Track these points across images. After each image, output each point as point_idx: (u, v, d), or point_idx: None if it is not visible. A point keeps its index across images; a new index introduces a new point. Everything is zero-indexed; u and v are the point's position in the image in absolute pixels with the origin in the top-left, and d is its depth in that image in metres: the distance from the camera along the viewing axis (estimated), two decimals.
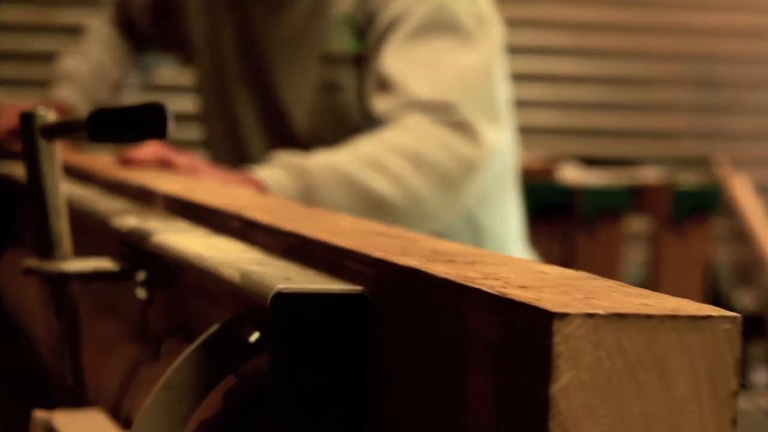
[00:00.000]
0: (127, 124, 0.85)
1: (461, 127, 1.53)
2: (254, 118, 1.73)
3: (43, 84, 3.56)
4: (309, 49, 1.66)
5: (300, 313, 0.57)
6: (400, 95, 1.55)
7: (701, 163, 4.12)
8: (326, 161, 1.50)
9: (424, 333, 0.53)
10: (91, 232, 0.99)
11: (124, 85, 1.98)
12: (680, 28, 4.30)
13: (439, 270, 0.53)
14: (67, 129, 0.90)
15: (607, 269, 3.11)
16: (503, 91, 1.65)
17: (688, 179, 3.57)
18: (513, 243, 1.79)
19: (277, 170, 1.50)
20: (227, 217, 0.82)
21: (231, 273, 0.65)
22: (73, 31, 3.56)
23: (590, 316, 0.44)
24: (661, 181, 3.44)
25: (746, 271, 3.94)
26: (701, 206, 3.33)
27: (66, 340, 0.91)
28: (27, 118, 0.89)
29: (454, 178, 1.53)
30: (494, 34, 1.64)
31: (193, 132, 2.10)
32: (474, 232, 1.70)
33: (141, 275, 0.83)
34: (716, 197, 3.45)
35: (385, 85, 1.57)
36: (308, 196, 1.48)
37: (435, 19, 1.58)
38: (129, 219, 0.92)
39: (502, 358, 0.46)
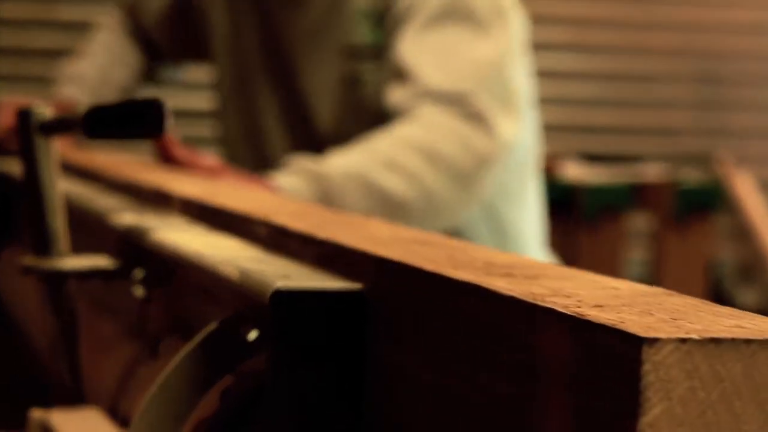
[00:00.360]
0: (124, 121, 0.84)
1: (475, 118, 1.51)
2: (276, 115, 1.72)
3: (43, 80, 3.55)
4: (331, 42, 1.65)
5: (299, 310, 0.56)
6: (414, 85, 1.53)
7: (703, 160, 4.11)
8: (343, 165, 1.49)
9: (478, 352, 0.48)
10: (89, 229, 0.98)
11: (133, 93, 1.96)
12: (682, 24, 4.29)
13: (501, 286, 0.48)
14: (64, 126, 0.89)
15: (609, 267, 3.11)
16: (522, 84, 1.63)
17: (690, 176, 3.56)
18: (533, 240, 1.77)
19: (295, 177, 1.48)
20: (253, 223, 0.76)
21: (229, 271, 0.65)
22: (73, 27, 3.57)
23: (683, 341, 0.39)
24: (663, 179, 3.43)
25: (749, 269, 3.94)
26: (703, 203, 3.33)
27: (63, 338, 0.90)
28: (24, 115, 0.88)
29: (468, 173, 1.52)
30: (513, 26, 1.63)
31: (204, 129, 2.10)
32: (495, 228, 1.68)
33: (139, 273, 0.83)
34: (718, 194, 3.45)
35: (399, 74, 1.56)
36: (327, 202, 1.46)
37: (451, 7, 1.57)
38: (126, 216, 0.91)
39: (578, 388, 0.42)
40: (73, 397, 0.90)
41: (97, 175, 1.25)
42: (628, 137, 4.28)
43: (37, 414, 0.82)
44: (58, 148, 0.91)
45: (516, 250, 1.70)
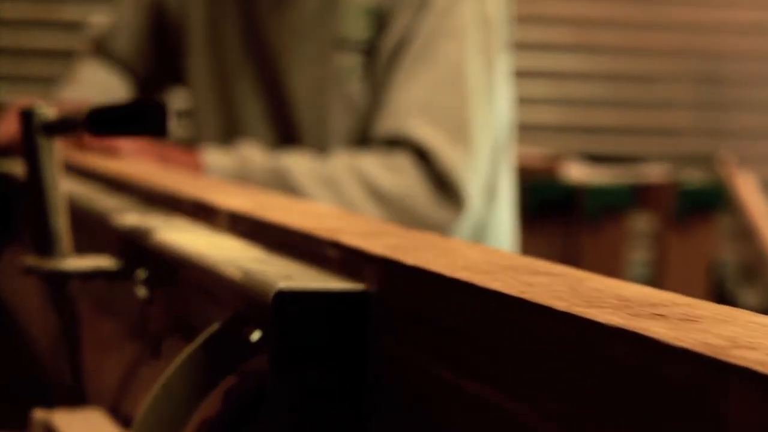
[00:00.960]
0: (127, 121, 0.84)
1: (441, 179, 1.56)
2: (259, 114, 1.72)
3: (45, 80, 3.56)
4: (319, 37, 1.66)
5: (301, 311, 0.56)
6: (395, 130, 1.57)
7: (705, 160, 4.11)
8: (277, 161, 1.55)
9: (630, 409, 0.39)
10: (92, 229, 0.98)
11: None
12: (684, 24, 4.29)
13: (663, 333, 0.38)
14: (66, 126, 0.89)
15: (611, 268, 3.11)
16: (503, 98, 1.67)
17: (692, 177, 3.56)
18: (508, 237, 1.79)
19: (224, 156, 1.55)
20: (320, 244, 0.65)
21: (232, 271, 0.65)
22: (75, 27, 3.57)
23: None
24: (665, 179, 3.43)
25: (751, 269, 3.93)
26: (705, 204, 3.33)
27: (65, 338, 0.90)
28: (27, 115, 0.88)
29: (422, 224, 1.55)
30: (500, 37, 1.66)
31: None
32: (474, 225, 1.69)
33: (141, 273, 0.83)
34: (720, 195, 3.45)
35: (385, 115, 1.59)
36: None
37: (439, 30, 1.60)
38: (129, 217, 0.91)
39: None
40: (75, 397, 0.90)
41: (124, 184, 1.17)
42: (629, 138, 4.27)
43: (39, 414, 0.82)
44: (61, 149, 0.91)
45: (489, 239, 1.74)
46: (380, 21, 1.63)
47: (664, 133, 4.29)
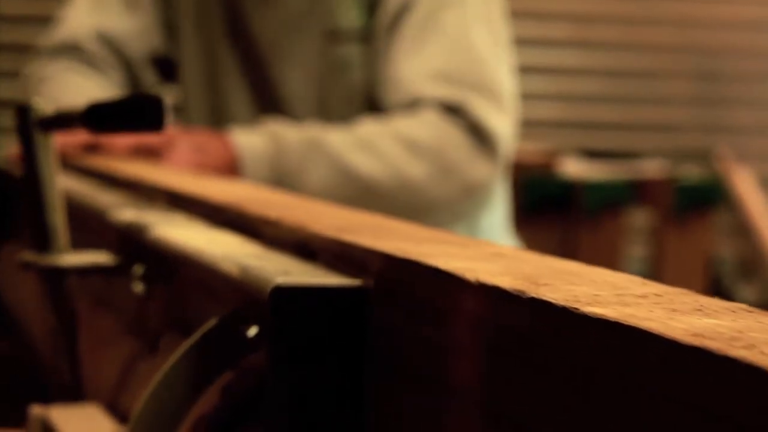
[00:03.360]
0: (124, 116, 0.84)
1: (475, 129, 1.51)
2: (250, 111, 1.69)
3: None
4: (312, 29, 1.63)
5: (299, 306, 0.56)
6: (410, 92, 1.53)
7: (703, 156, 4.11)
8: (307, 133, 1.51)
9: None
10: (89, 225, 0.98)
11: None
12: (682, 20, 4.29)
13: None
14: (64, 121, 0.89)
15: (609, 263, 3.11)
16: (510, 68, 1.63)
17: (690, 173, 3.56)
18: (502, 229, 1.77)
19: (254, 135, 1.52)
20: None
21: (230, 267, 0.65)
22: None
23: None
24: (663, 175, 3.43)
25: (748, 265, 3.94)
26: (703, 200, 3.33)
27: (63, 334, 0.90)
28: (23, 111, 0.88)
29: (457, 171, 1.51)
30: (500, 5, 1.64)
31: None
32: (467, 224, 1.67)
33: (138, 269, 0.83)
34: (718, 191, 3.45)
35: (395, 81, 1.55)
36: (278, 161, 1.50)
37: (439, 1, 1.57)
38: (127, 212, 0.91)
39: None
40: (73, 393, 0.90)
41: (154, 190, 1.04)
42: (627, 133, 4.27)
43: (36, 410, 0.82)
44: (58, 144, 0.90)
45: (487, 238, 1.71)
46: (371, 5, 1.61)
47: (662, 129, 4.29)
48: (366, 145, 1.50)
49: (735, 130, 4.33)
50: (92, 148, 1.47)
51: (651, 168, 3.52)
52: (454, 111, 1.51)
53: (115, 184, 1.10)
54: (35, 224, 0.88)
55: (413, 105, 1.53)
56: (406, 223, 0.71)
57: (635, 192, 3.32)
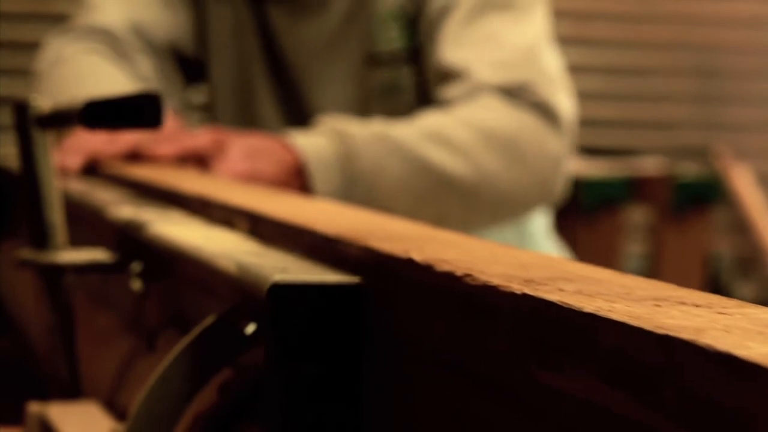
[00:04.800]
0: (122, 114, 0.84)
1: (539, 107, 1.42)
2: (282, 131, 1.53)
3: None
4: (347, 53, 1.52)
5: (296, 304, 0.56)
6: (469, 82, 1.43)
7: (701, 153, 4.11)
8: (375, 129, 1.37)
9: None
10: (87, 223, 0.98)
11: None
12: (680, 17, 4.29)
13: None
14: (61, 119, 0.89)
15: (607, 260, 3.11)
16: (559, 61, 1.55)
17: (688, 170, 3.56)
18: (546, 231, 1.70)
19: (317, 136, 1.35)
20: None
21: (227, 264, 0.65)
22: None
23: None
24: (661, 172, 3.43)
25: (746, 262, 3.94)
26: (701, 197, 3.33)
27: (61, 331, 0.90)
28: (21, 108, 0.88)
29: (533, 161, 1.42)
30: (545, 4, 1.57)
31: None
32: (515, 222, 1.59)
33: (136, 267, 0.83)
34: (716, 188, 3.45)
35: (448, 77, 1.45)
36: (349, 164, 1.34)
37: (483, 1, 1.48)
38: (124, 209, 0.91)
39: None
40: (71, 390, 0.90)
41: (207, 203, 0.90)
42: (626, 131, 4.27)
43: (34, 408, 0.82)
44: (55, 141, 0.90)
45: (532, 243, 1.64)
46: (412, 20, 1.50)
47: (660, 126, 4.29)
48: (437, 137, 1.38)
49: (733, 127, 4.33)
50: (134, 157, 1.33)
51: (649, 165, 3.53)
52: (515, 94, 1.42)
53: (175, 203, 0.93)
54: (33, 221, 0.88)
55: (471, 94, 1.42)
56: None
57: (633, 189, 3.32)
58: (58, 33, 1.64)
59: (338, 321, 0.56)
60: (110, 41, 1.57)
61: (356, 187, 1.35)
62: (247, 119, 1.59)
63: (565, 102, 1.46)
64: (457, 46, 1.45)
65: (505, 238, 1.56)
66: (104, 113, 0.84)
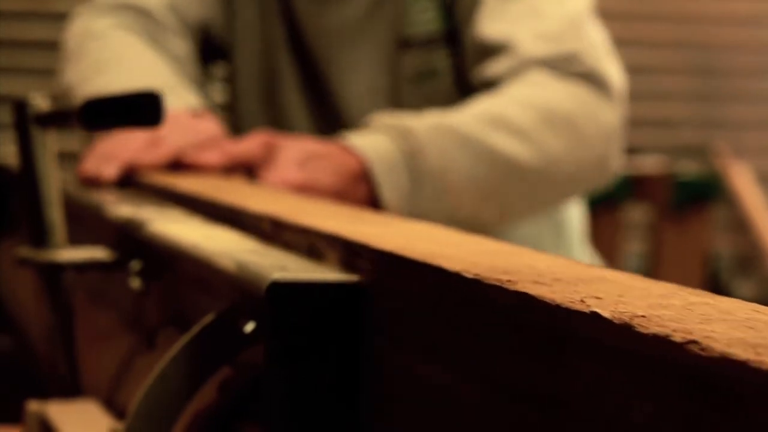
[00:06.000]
0: (121, 112, 0.84)
1: (590, 77, 1.36)
2: (309, 127, 1.47)
3: (41, 72, 3.55)
4: (374, 38, 1.44)
5: (296, 302, 0.56)
6: (514, 56, 1.34)
7: (700, 151, 4.11)
8: (432, 121, 1.27)
9: None
10: (86, 221, 0.98)
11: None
12: (679, 16, 4.29)
13: None
14: (60, 117, 0.89)
15: (606, 259, 3.11)
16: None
17: (688, 168, 3.56)
18: (581, 237, 1.65)
19: (376, 135, 1.24)
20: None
21: (226, 263, 0.65)
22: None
23: None
24: (661, 170, 3.43)
25: (746, 260, 3.94)
26: (701, 195, 3.33)
27: (60, 330, 0.90)
28: (20, 106, 0.88)
29: (592, 135, 1.36)
30: None
31: None
32: (553, 224, 1.54)
33: (136, 265, 0.83)
34: (716, 186, 3.45)
35: (491, 52, 1.36)
36: (415, 163, 1.24)
37: None
38: (124, 208, 0.91)
39: None
40: (70, 389, 0.90)
41: (240, 214, 0.82)
42: (625, 129, 4.27)
43: (34, 406, 0.82)
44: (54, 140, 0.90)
45: (567, 248, 1.59)
46: (447, 4, 1.42)
47: (659, 125, 4.29)
48: (496, 121, 1.28)
49: (733, 125, 4.33)
50: (175, 166, 1.22)
51: (649, 163, 3.52)
52: (562, 66, 1.35)
53: (238, 225, 0.80)
54: (32, 219, 0.88)
55: (517, 70, 1.34)
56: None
57: (633, 187, 3.32)
58: (88, 4, 1.54)
59: (337, 319, 0.56)
60: (143, 19, 1.48)
61: (423, 188, 1.25)
62: (271, 107, 1.51)
63: (614, 70, 1.41)
64: (498, 20, 1.37)
65: (540, 233, 1.51)
66: (103, 112, 0.84)
